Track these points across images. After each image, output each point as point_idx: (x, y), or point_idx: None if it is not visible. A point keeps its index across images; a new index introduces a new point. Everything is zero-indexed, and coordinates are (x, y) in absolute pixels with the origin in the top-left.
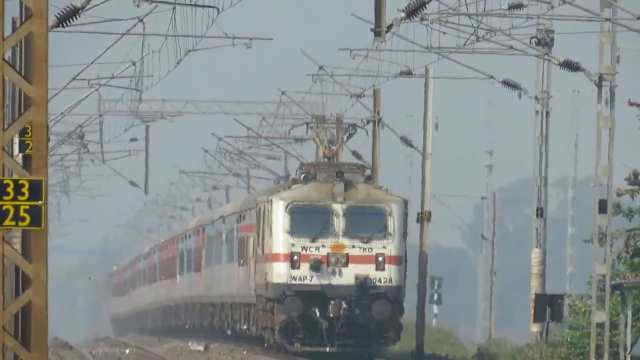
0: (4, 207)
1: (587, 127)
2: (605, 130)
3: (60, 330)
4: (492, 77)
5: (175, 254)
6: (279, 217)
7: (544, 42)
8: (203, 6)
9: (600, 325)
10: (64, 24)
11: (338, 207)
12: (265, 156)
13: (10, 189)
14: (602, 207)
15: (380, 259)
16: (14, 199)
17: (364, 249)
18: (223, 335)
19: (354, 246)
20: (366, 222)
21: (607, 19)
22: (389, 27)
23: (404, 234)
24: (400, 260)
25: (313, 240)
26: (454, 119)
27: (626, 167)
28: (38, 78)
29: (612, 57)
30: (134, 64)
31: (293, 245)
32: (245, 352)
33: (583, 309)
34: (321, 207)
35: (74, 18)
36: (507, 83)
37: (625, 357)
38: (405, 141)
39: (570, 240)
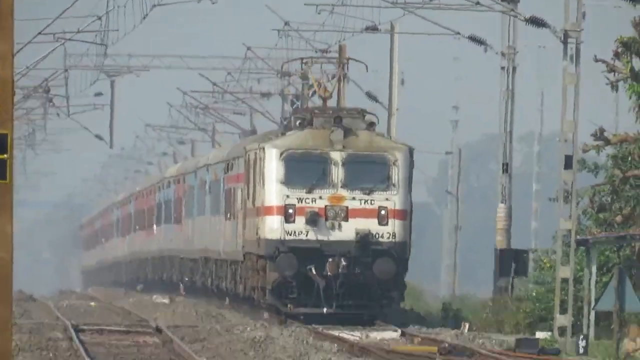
0: None
1: (553, 83)
2: (571, 87)
3: (26, 284)
4: (458, 33)
5: (152, 203)
6: (272, 166)
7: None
8: None
9: (565, 281)
10: None
11: (337, 156)
12: (230, 111)
13: None
14: (568, 162)
15: (383, 212)
16: None
17: (366, 202)
18: (204, 291)
19: (354, 198)
20: (368, 172)
21: None
22: None
23: (410, 186)
24: (405, 215)
25: (309, 192)
26: (420, 74)
27: (592, 123)
28: (3, 32)
29: (578, 13)
30: (99, 18)
31: (287, 197)
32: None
33: (548, 265)
34: (318, 155)
35: None
36: (473, 39)
37: (589, 312)
38: (371, 97)
39: (535, 196)
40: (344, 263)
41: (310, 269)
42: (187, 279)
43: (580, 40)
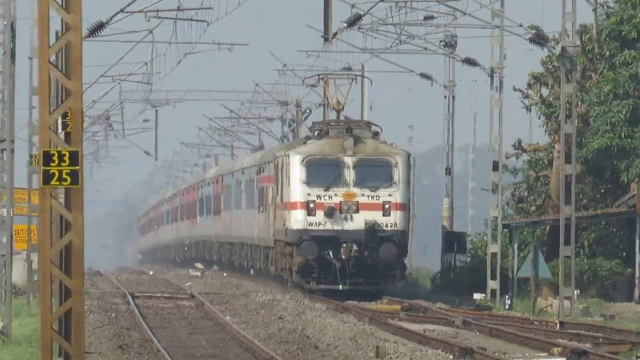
0: (51, 171)
1: (483, 107)
2: (496, 110)
3: (94, 262)
4: (412, 71)
5: (195, 198)
6: (296, 170)
7: (450, 44)
8: (197, 20)
9: (494, 255)
10: (94, 35)
11: (349, 160)
12: (244, 132)
13: (55, 158)
14: (495, 166)
15: (387, 206)
16: (58, 165)
17: (372, 197)
18: (241, 270)
19: (363, 194)
20: (374, 173)
21: (496, 26)
22: (335, 34)
23: (408, 183)
24: (404, 207)
25: (327, 190)
26: (384, 102)
27: (512, 137)
28: (75, 75)
29: (501, 55)
30: (145, 64)
31: (309, 194)
32: (225, 275)
33: (480, 244)
34: (333, 160)
35: (101, 30)
36: (423, 75)
37: (512, 278)
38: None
39: (470, 192)
40: (355, 248)
41: (328, 253)
42: (223, 258)
43: (503, 75)
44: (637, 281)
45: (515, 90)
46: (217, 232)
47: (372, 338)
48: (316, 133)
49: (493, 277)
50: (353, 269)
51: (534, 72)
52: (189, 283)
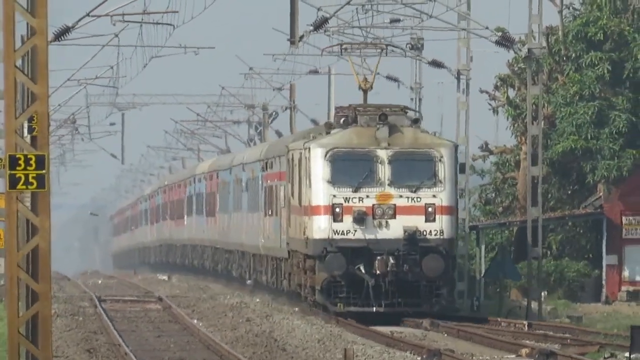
0: (17, 175)
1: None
2: (463, 111)
3: (60, 266)
4: (378, 73)
5: (181, 196)
6: (318, 166)
7: (416, 47)
8: (162, 24)
9: (462, 257)
10: (60, 39)
11: (383, 154)
12: (210, 135)
13: (21, 162)
14: (462, 168)
15: (430, 209)
16: (25, 169)
17: (412, 199)
18: (239, 282)
19: (401, 196)
20: (414, 169)
21: (462, 29)
22: (301, 37)
23: (455, 181)
24: (452, 211)
25: (356, 191)
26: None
27: (479, 139)
28: (41, 79)
29: (467, 57)
30: (111, 67)
31: (334, 196)
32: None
33: None
34: (364, 153)
35: (66, 34)
36: (389, 77)
37: (480, 279)
38: (315, 123)
39: None
40: (392, 261)
41: (359, 268)
42: (220, 267)
43: (469, 77)
44: (604, 282)
45: (481, 92)
46: (211, 237)
47: (340, 340)
48: (342, 120)
49: (461, 279)
50: (389, 287)
51: (501, 74)
52: (158, 287)
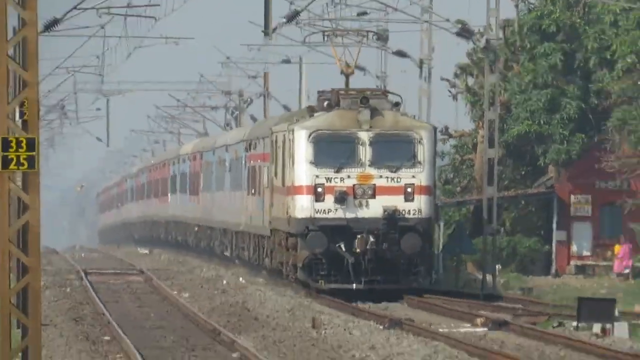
0: (9, 156)
1: (413, 96)
2: (425, 98)
3: (49, 243)
4: (346, 62)
5: (165, 175)
6: (302, 147)
7: (382, 37)
8: (145, 16)
9: None
10: (49, 30)
11: (364, 135)
12: (190, 120)
13: (13, 144)
14: None
15: (410, 189)
16: (16, 150)
17: (392, 179)
18: (221, 257)
19: (381, 176)
20: (394, 150)
21: (425, 21)
22: (274, 29)
23: (434, 163)
24: (430, 191)
25: (338, 171)
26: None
27: (439, 123)
28: (31, 67)
29: (429, 47)
30: (98, 57)
31: (317, 176)
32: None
33: None
34: (346, 135)
35: (55, 25)
36: (357, 67)
37: (438, 253)
38: (287, 108)
39: None
40: (372, 240)
41: (340, 246)
42: (202, 243)
43: (431, 66)
44: (553, 257)
45: (442, 80)
46: (195, 215)
47: (309, 310)
48: (325, 104)
49: None
50: (369, 265)
51: (460, 63)
52: (140, 260)
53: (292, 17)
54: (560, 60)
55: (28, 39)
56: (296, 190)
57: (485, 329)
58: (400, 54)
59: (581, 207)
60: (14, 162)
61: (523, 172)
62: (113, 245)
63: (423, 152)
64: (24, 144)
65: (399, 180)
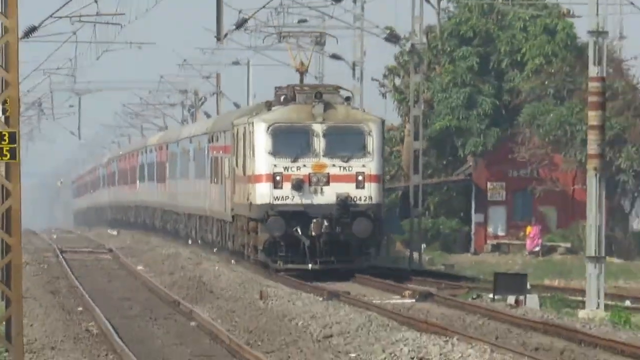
0: None
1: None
2: (357, 96)
3: (29, 224)
4: (288, 64)
5: (134, 164)
6: (261, 139)
7: (320, 42)
8: (112, 23)
9: None
10: (28, 36)
11: (318, 128)
12: (151, 116)
13: None
14: None
15: (360, 177)
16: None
17: (344, 168)
18: (184, 238)
19: (334, 165)
20: (346, 141)
21: (357, 28)
22: (225, 34)
23: (383, 153)
24: (379, 179)
25: (294, 161)
26: (266, 92)
27: None
28: (12, 69)
29: (361, 51)
30: (70, 60)
31: (275, 166)
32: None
33: None
34: (301, 127)
35: (33, 32)
36: (296, 70)
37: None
38: (237, 105)
39: None
40: (326, 224)
41: (297, 230)
42: (168, 226)
43: (363, 67)
44: (472, 237)
45: (373, 80)
46: (161, 200)
47: (257, 284)
48: (282, 99)
49: None
50: (324, 247)
51: (389, 65)
52: (109, 240)
53: (241, 24)
54: (476, 62)
55: (9, 44)
56: (256, 178)
57: (413, 300)
58: (336, 57)
59: (496, 192)
60: None
61: (445, 162)
62: (85, 227)
63: (372, 143)
64: (6, 137)
65: (350, 169)
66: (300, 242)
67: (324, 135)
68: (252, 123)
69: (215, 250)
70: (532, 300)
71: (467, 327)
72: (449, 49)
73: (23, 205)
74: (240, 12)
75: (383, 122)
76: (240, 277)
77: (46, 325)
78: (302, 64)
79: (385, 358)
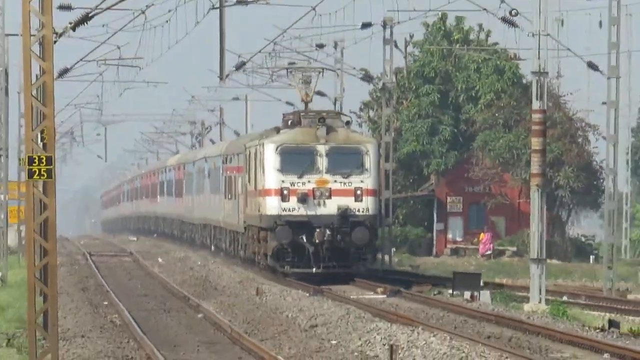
0: (33, 169)
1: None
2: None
3: (62, 231)
4: (279, 99)
5: (155, 181)
6: (271, 158)
7: (306, 81)
8: (132, 66)
9: None
10: (62, 76)
11: (321, 148)
12: (165, 142)
13: (36, 160)
14: None
15: (359, 192)
16: (38, 165)
17: (345, 184)
18: (199, 246)
19: (335, 181)
20: (346, 160)
21: (338, 69)
22: (227, 75)
23: (378, 170)
24: (375, 193)
25: (300, 177)
26: (262, 124)
27: None
28: (49, 104)
29: (341, 88)
30: (97, 96)
31: (283, 181)
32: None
33: None
34: (307, 148)
35: (66, 73)
36: (288, 103)
37: None
38: (237, 134)
39: None
40: (328, 232)
41: (302, 238)
42: (185, 235)
43: (343, 102)
44: (434, 242)
45: (351, 112)
46: (179, 212)
47: (254, 282)
48: (289, 122)
49: None
50: (326, 253)
51: (364, 100)
52: (129, 245)
53: (240, 66)
54: (437, 97)
55: (46, 83)
56: (266, 192)
57: (385, 296)
58: (320, 93)
59: (455, 205)
60: (36, 173)
61: (411, 180)
62: (110, 234)
63: (370, 161)
64: (44, 160)
65: (350, 184)
66: (305, 248)
67: (327, 155)
68: (263, 144)
69: (221, 254)
70: (484, 296)
71: (430, 318)
72: (414, 86)
73: (57, 216)
74: (239, 56)
75: (379, 144)
76: (240, 276)
77: (77, 317)
78: (307, 94)
79: (361, 345)
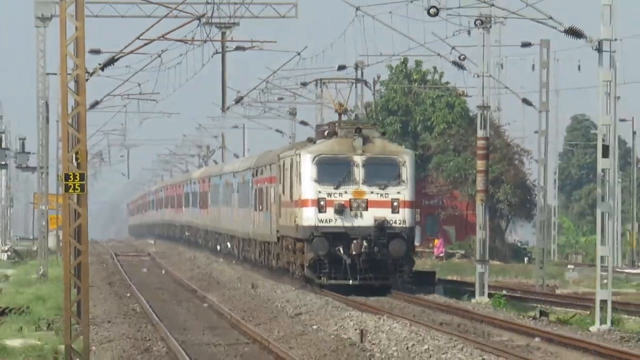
0: (69, 184)
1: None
2: None
3: (92, 236)
4: (270, 128)
5: (180, 193)
6: (307, 168)
7: (293, 113)
8: (150, 99)
9: None
10: (93, 108)
11: (358, 159)
12: (177, 162)
13: (71, 177)
14: None
15: (396, 203)
16: (73, 180)
17: (381, 195)
18: (222, 254)
19: (372, 192)
20: (383, 171)
21: (319, 103)
22: (228, 107)
23: (414, 182)
24: (412, 205)
25: (337, 188)
26: (256, 146)
27: None
28: (81, 130)
29: (321, 119)
30: (122, 124)
31: (320, 192)
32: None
33: None
34: (343, 158)
35: (96, 105)
36: (278, 130)
37: None
38: (236, 156)
39: None
40: (365, 244)
41: (339, 249)
42: (210, 244)
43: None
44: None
45: None
46: (204, 222)
47: (251, 278)
48: (325, 133)
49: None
50: (363, 265)
51: None
52: (148, 247)
53: (238, 100)
54: (399, 127)
55: (80, 114)
56: (303, 203)
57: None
58: (304, 123)
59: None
60: (72, 188)
61: None
62: (132, 238)
63: (406, 172)
64: (77, 177)
65: (387, 195)
66: (342, 260)
67: (363, 166)
68: (300, 154)
69: (240, 260)
70: (438, 290)
71: (393, 308)
72: (380, 117)
73: (88, 223)
74: (238, 91)
75: (415, 155)
76: (239, 273)
77: (105, 306)
78: (340, 105)
79: (337, 329)
